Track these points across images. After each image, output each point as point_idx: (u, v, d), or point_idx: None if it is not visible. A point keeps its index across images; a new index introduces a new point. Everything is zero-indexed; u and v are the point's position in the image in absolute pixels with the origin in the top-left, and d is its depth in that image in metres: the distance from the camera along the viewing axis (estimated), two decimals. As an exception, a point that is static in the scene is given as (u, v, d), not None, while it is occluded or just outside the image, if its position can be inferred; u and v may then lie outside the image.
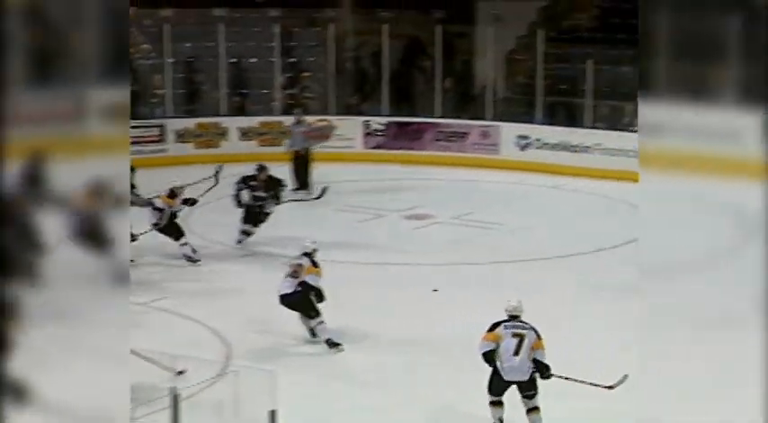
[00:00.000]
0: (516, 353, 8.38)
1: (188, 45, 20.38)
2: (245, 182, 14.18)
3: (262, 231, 14.22)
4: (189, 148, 19.73)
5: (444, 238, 15.01)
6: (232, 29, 20.30)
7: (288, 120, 19.13)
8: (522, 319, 8.59)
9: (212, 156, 19.02)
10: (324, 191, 15.06)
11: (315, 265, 10.58)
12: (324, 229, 14.51)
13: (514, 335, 8.42)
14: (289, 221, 14.69)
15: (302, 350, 10.60)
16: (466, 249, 14.42)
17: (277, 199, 14.22)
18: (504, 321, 8.56)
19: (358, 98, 21.37)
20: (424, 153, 19.95)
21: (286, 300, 10.54)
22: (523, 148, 19.24)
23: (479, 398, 8.64)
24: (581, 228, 15.36)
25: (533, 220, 15.95)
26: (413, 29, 22.59)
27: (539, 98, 19.45)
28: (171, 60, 20.08)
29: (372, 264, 13.67)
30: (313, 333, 10.65)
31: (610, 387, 8.46)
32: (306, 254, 10.66)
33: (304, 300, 10.51)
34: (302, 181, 17.40)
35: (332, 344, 10.47)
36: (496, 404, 8.59)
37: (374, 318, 11.49)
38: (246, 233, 14.15)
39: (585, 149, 18.68)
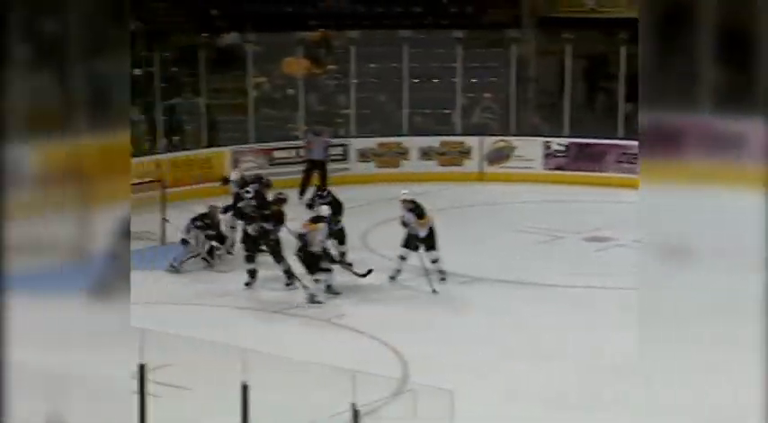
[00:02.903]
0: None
1: (372, 66, 20.70)
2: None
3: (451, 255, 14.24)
4: (371, 167, 20.04)
5: (627, 261, 14.74)
6: (416, 49, 20.54)
7: (469, 140, 19.78)
8: None
9: (392, 175, 19.31)
10: (369, 272, 13.53)
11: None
12: (502, 249, 14.54)
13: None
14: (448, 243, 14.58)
15: (479, 366, 10.67)
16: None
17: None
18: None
19: (539, 119, 21.29)
20: (605, 175, 19.70)
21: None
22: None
23: None
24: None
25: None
26: (596, 49, 22.33)
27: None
28: (355, 81, 20.44)
29: (550, 285, 13.60)
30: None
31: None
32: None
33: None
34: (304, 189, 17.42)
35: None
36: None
37: (555, 338, 11.57)
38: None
39: None
